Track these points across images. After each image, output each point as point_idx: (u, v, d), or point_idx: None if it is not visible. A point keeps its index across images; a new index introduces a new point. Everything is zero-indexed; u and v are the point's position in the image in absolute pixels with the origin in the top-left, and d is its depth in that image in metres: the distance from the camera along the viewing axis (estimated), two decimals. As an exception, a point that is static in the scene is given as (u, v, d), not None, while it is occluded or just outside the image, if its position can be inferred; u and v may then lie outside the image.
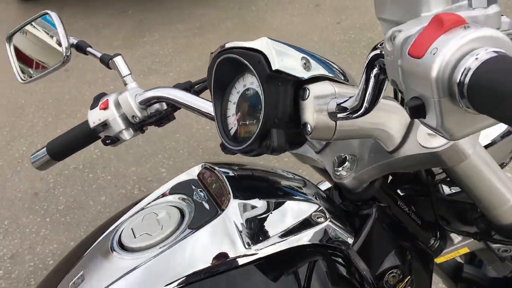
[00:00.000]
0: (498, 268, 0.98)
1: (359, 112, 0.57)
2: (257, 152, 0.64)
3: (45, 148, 1.01)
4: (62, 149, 0.99)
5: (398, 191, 0.87)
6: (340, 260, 0.71)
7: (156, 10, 4.25)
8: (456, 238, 0.91)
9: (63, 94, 3.42)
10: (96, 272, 0.67)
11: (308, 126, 0.62)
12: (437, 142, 0.67)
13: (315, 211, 0.70)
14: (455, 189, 0.89)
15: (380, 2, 0.58)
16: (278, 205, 0.70)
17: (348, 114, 0.58)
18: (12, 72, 1.03)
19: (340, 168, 0.75)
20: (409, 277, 0.77)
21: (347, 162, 0.75)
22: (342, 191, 0.79)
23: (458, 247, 0.91)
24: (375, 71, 0.54)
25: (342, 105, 0.59)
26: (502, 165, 0.93)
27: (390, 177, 0.88)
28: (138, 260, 0.64)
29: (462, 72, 0.41)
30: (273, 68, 0.60)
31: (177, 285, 0.61)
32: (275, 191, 0.76)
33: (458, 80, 0.42)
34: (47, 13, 0.96)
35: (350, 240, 0.71)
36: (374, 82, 0.54)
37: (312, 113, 0.61)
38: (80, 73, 3.56)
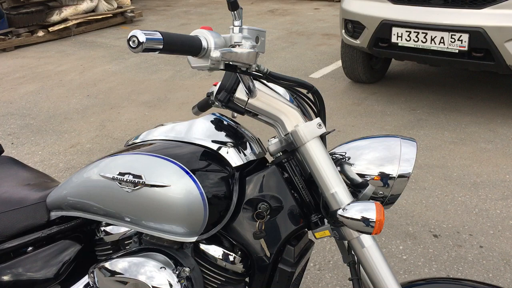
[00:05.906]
0: (344, 256, 1.25)
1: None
2: (217, 98, 1.27)
3: (196, 106, 1.58)
4: (203, 105, 1.54)
5: None
6: (224, 172, 1.22)
7: (434, 113, 4.61)
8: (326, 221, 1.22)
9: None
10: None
11: (235, 96, 1.24)
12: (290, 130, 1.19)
13: (229, 142, 1.27)
14: None
15: None
16: (225, 132, 1.30)
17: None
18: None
19: (269, 140, 1.26)
20: (270, 209, 1.22)
21: (273, 138, 1.26)
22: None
23: (324, 228, 1.22)
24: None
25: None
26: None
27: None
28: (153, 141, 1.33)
29: None
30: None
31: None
32: (229, 129, 1.32)
33: None
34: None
35: (234, 164, 1.23)
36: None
37: (240, 91, 1.23)
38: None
